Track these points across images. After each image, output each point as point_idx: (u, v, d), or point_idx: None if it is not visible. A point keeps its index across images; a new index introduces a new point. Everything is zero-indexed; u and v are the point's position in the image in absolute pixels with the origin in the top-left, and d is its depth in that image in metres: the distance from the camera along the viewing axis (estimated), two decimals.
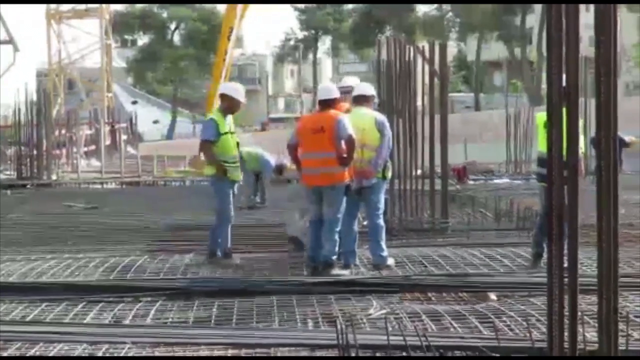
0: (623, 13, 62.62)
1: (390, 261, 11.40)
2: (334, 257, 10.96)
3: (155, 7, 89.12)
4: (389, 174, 11.83)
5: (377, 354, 6.83)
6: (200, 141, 12.30)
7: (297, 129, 11.33)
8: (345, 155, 10.89)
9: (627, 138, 22.44)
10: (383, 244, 11.44)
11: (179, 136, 79.18)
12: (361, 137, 11.12)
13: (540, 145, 11.08)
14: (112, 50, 65.96)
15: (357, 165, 11.15)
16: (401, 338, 6.68)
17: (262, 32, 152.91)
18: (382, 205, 11.59)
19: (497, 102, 68.65)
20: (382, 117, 11.65)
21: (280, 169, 21.68)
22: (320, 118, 11.09)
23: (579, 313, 5.48)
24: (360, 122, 11.19)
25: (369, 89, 11.86)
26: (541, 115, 10.91)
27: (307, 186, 11.23)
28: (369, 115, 11.42)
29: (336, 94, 11.22)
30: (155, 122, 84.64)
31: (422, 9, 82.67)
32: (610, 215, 4.95)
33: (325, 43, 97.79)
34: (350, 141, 10.87)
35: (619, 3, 4.95)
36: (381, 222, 11.53)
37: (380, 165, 11.30)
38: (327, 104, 11.11)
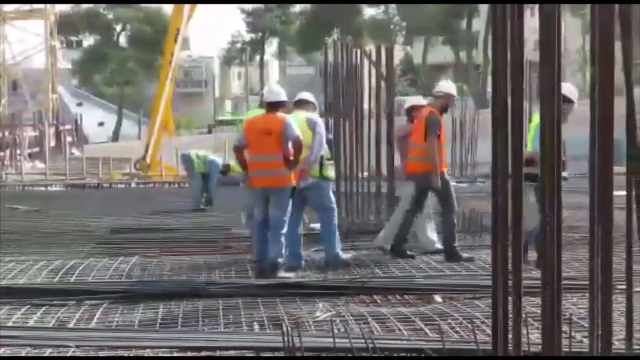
0: (567, 18, 63.28)
1: (346, 256, 11.66)
2: (280, 260, 10.95)
3: (101, 8, 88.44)
4: (330, 174, 11.85)
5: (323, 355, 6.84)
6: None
7: (245, 130, 11.30)
8: (292, 158, 10.94)
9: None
10: (337, 243, 11.59)
11: (124, 138, 78.65)
12: None
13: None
14: (57, 52, 65.34)
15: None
16: (347, 340, 6.68)
17: (209, 34, 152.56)
18: (331, 205, 11.69)
19: None
20: (314, 117, 11.77)
21: (225, 170, 21.61)
22: (268, 120, 11.10)
23: (523, 315, 5.52)
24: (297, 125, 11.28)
25: (309, 96, 12.07)
26: (537, 116, 11.28)
27: (254, 188, 11.23)
28: (302, 116, 11.53)
29: (284, 97, 11.29)
30: (101, 124, 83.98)
31: (369, 12, 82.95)
32: (554, 218, 4.99)
33: (272, 45, 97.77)
34: (297, 142, 10.93)
35: (563, 3, 4.99)
36: (333, 222, 11.65)
37: (312, 162, 11.38)
38: (275, 106, 11.14)
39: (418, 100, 14.04)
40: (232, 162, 19.79)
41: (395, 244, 11.95)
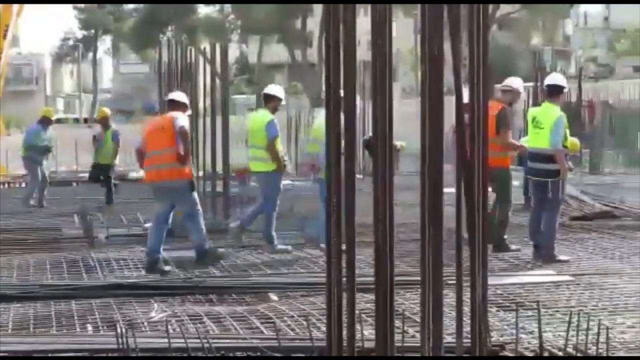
0: (399, 18, 64.39)
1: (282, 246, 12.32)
2: (207, 246, 11.52)
3: None
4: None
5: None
6: (271, 139, 12.56)
7: (143, 131, 11.81)
8: (181, 152, 11.20)
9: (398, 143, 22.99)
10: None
11: None
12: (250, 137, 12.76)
13: (530, 141, 11.64)
14: None
15: None
16: (182, 340, 6.64)
17: (40, 30, 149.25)
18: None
19: None
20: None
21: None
22: (163, 118, 11.71)
23: (357, 312, 5.59)
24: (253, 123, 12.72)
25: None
26: (531, 112, 11.74)
27: (151, 183, 11.58)
28: (261, 116, 12.72)
29: (184, 100, 11.81)
30: None
31: (204, 10, 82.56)
32: (386, 215, 5.06)
33: (105, 42, 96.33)
34: (182, 132, 11.22)
35: (394, 3, 5.07)
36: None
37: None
38: (175, 106, 11.59)
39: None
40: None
41: (496, 243, 11.91)
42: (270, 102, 12.81)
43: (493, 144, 12.08)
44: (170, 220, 11.59)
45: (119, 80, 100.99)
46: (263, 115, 12.83)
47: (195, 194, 11.58)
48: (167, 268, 11.13)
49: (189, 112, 12.15)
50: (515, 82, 12.60)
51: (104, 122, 19.44)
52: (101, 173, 19.06)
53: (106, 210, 17.87)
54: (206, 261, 11.41)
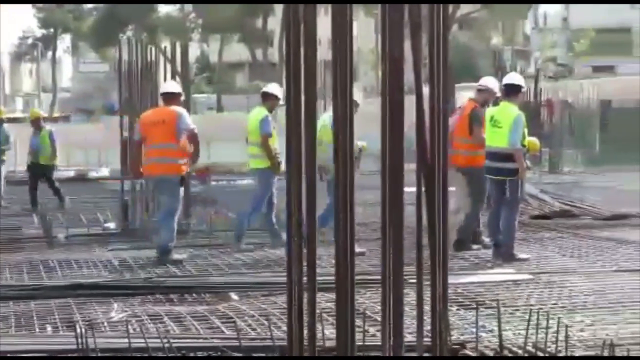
0: (360, 18, 64.48)
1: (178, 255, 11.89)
2: (171, 244, 11.55)
3: None
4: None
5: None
6: (263, 135, 12.44)
7: (140, 125, 11.94)
8: (194, 154, 11.69)
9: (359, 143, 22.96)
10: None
11: None
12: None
13: (489, 140, 11.63)
14: None
15: None
16: (143, 340, 6.61)
17: None
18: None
19: (239, 103, 69.15)
20: (265, 115, 12.50)
21: None
22: (163, 111, 11.79)
23: (318, 311, 5.59)
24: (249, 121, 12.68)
25: (276, 90, 12.76)
26: (489, 111, 11.77)
27: (148, 176, 11.96)
28: (256, 113, 12.68)
29: (179, 89, 12.18)
30: None
31: (164, 9, 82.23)
32: (347, 214, 5.07)
33: (65, 41, 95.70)
34: (193, 135, 11.59)
35: (354, 3, 5.07)
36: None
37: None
38: (169, 98, 11.83)
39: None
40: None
41: (460, 237, 12.03)
42: (267, 100, 12.66)
43: (465, 143, 12.18)
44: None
45: (78, 79, 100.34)
46: (258, 113, 12.68)
47: (182, 191, 11.68)
48: (179, 257, 11.51)
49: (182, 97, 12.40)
50: (489, 81, 12.66)
51: (36, 123, 19.31)
52: (42, 173, 18.87)
53: (62, 209, 17.77)
54: (167, 261, 11.36)
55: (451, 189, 12.45)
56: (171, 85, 12.41)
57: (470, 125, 12.03)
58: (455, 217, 12.19)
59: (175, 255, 11.63)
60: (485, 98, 12.35)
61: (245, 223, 12.61)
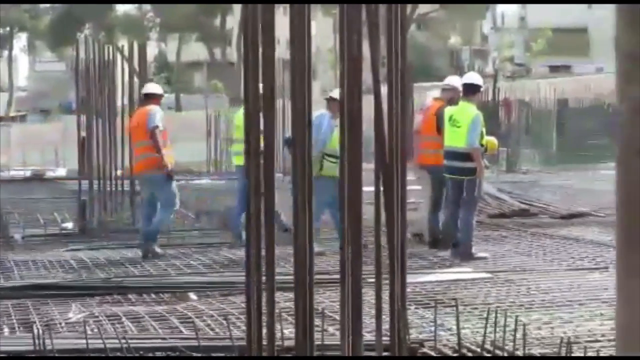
0: (319, 17, 64.55)
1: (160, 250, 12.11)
2: (157, 235, 12.01)
3: None
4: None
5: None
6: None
7: (127, 126, 12.76)
8: (156, 150, 11.91)
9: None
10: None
11: None
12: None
13: (447, 140, 11.62)
14: None
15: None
16: (100, 341, 6.58)
17: None
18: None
19: (197, 102, 69.00)
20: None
21: None
22: (140, 112, 12.29)
23: (277, 311, 5.59)
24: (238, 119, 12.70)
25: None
26: (448, 111, 11.73)
27: (137, 174, 12.60)
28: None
29: (157, 90, 12.54)
30: None
31: (122, 8, 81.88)
32: (305, 214, 5.07)
33: (21, 40, 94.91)
34: (151, 132, 11.88)
35: (313, 3, 5.08)
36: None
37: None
38: (148, 98, 12.24)
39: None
40: None
41: (439, 237, 12.12)
42: None
43: (432, 142, 12.21)
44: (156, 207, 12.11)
45: (35, 78, 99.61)
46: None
47: (174, 186, 12.05)
48: (160, 251, 11.82)
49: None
50: (455, 80, 12.71)
51: None
52: None
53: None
54: (150, 251, 11.74)
55: (417, 187, 12.63)
56: (150, 87, 12.86)
57: (437, 124, 12.06)
58: (436, 217, 12.28)
59: (158, 249, 11.89)
60: (451, 97, 12.41)
61: (239, 220, 12.42)
